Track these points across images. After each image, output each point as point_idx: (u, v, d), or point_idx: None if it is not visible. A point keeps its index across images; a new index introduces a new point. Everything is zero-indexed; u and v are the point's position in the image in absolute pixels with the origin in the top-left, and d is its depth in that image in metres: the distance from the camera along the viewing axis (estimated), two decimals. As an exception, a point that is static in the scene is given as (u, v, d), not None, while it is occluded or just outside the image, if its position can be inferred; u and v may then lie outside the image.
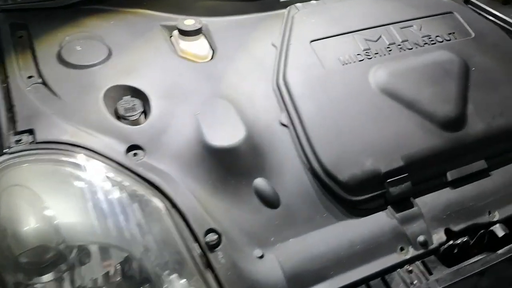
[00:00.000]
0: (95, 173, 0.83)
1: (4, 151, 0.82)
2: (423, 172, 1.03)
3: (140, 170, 0.89)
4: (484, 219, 1.02)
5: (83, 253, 0.77)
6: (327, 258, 0.91)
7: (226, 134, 0.97)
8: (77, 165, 0.83)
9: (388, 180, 0.98)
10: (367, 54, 1.15)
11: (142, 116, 0.99)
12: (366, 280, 0.91)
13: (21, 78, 0.98)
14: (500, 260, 0.96)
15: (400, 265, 0.94)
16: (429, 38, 1.21)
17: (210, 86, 1.07)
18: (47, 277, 0.77)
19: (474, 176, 1.06)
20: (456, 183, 1.05)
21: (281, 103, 1.06)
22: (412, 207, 0.99)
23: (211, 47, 1.17)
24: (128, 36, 1.12)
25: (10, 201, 0.77)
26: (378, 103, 1.07)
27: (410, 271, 0.93)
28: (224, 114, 1.01)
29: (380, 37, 1.20)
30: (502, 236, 1.00)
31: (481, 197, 1.04)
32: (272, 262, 0.88)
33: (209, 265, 0.84)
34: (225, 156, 0.95)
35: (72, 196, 0.80)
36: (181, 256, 0.82)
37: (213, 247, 0.85)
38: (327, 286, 0.88)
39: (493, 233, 1.01)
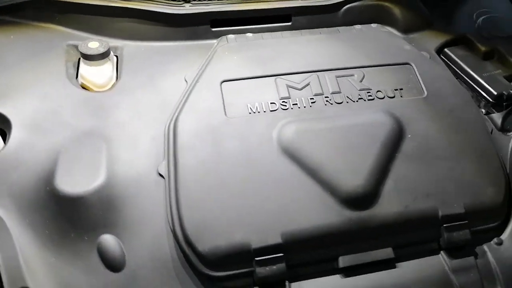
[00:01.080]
0: None
1: None
2: (307, 254, 0.85)
3: None
4: None
5: None
6: None
7: (79, 180, 0.85)
8: None
9: (257, 258, 0.82)
10: (283, 103, 0.98)
11: (1, 144, 0.90)
12: None
13: None
14: None
15: None
16: (368, 92, 1.02)
17: (94, 121, 0.96)
18: None
19: (375, 266, 0.87)
20: (348, 271, 0.86)
21: (165, 150, 0.94)
22: None
23: (117, 74, 1.07)
24: (23, 54, 1.04)
25: None
26: (274, 165, 0.90)
27: None
28: (90, 155, 0.89)
29: (308, 85, 1.02)
30: None
31: None
32: None
33: None
34: (69, 204, 0.83)
35: None
36: None
37: (23, 311, 0.75)
38: None
39: None
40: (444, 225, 0.88)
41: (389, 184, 0.90)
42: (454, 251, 0.89)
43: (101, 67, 1.05)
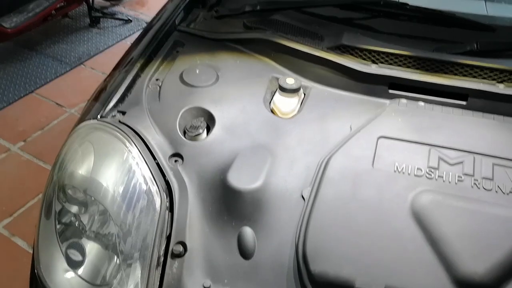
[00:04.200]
0: (137, 161, 1.11)
1: (98, 116, 1.20)
2: None
3: (169, 173, 1.12)
4: None
5: (94, 204, 1.06)
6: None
7: (244, 178, 1.10)
8: (129, 150, 1.12)
9: None
10: (429, 173, 1.06)
11: (204, 135, 1.21)
12: None
13: (152, 77, 1.34)
14: None
15: None
16: (524, 189, 1.01)
17: (269, 138, 1.20)
18: (75, 209, 1.09)
19: None
20: None
21: (313, 178, 1.11)
22: None
23: (300, 108, 1.29)
24: (241, 75, 1.35)
25: (77, 149, 1.13)
26: (399, 223, 0.99)
27: None
28: (257, 163, 1.13)
29: (461, 163, 1.07)
30: None
31: None
32: (210, 298, 0.98)
33: (163, 267, 1.01)
34: (231, 195, 1.08)
35: (114, 167, 1.10)
36: (147, 247, 1.02)
37: (174, 255, 1.02)
38: None
39: None
40: None
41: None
42: None
43: (290, 99, 1.29)
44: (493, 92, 1.22)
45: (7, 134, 2.56)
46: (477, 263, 0.91)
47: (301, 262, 0.99)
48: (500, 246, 0.92)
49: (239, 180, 1.10)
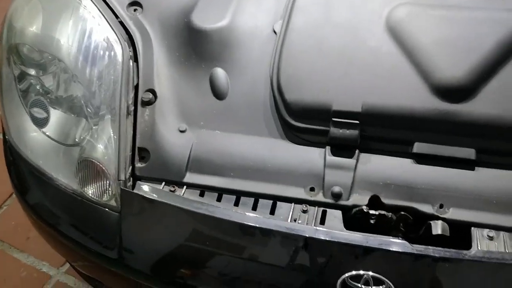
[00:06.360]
0: (89, 10, 1.01)
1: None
2: (383, 130, 0.90)
3: (128, 23, 1.03)
4: (429, 209, 0.85)
5: (53, 64, 1.00)
6: (235, 160, 0.93)
7: (209, 18, 1.02)
8: (81, 2, 1.02)
9: (334, 119, 0.90)
10: (406, -14, 0.98)
11: None
12: (256, 195, 0.90)
13: None
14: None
15: (299, 201, 0.89)
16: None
17: None
18: (33, 72, 1.03)
19: (450, 162, 0.87)
20: (421, 159, 0.89)
21: (284, 11, 1.03)
22: (350, 157, 0.90)
23: None
24: None
25: (23, 7, 1.03)
26: (374, 40, 0.94)
27: (305, 211, 0.88)
28: (223, 1, 1.05)
29: None
30: (436, 235, 0.83)
31: (443, 186, 0.86)
32: (187, 140, 0.95)
33: (134, 115, 0.98)
34: (197, 36, 1.02)
35: (65, 19, 1.01)
36: (114, 99, 0.97)
37: (144, 103, 0.97)
38: (217, 182, 0.92)
39: (428, 228, 0.84)
40: None
41: (492, 84, 0.87)
42: None
43: None
44: None
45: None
46: (455, 68, 0.87)
47: (277, 93, 0.95)
48: (478, 48, 0.88)
49: (204, 20, 1.02)
